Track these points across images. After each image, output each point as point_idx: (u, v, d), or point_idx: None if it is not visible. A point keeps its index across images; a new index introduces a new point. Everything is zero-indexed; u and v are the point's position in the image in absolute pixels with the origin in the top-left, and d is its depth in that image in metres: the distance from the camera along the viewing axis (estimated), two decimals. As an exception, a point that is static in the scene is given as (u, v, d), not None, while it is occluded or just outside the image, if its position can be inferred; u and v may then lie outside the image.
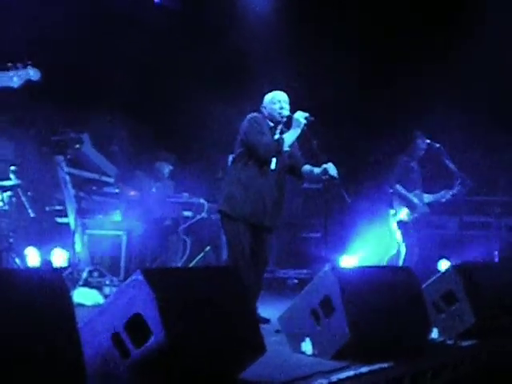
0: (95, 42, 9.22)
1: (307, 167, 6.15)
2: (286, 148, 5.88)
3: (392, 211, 8.21)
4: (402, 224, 8.18)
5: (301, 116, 5.86)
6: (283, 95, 6.07)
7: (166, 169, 8.89)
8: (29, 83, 5.83)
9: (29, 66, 5.77)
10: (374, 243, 9.66)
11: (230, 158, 6.17)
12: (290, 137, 5.89)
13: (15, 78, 5.74)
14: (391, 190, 8.21)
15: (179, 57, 10.17)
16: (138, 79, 9.95)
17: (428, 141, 8.20)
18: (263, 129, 5.94)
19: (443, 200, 8.32)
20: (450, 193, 8.20)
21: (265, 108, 6.07)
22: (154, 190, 8.72)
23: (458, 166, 8.12)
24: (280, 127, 6.06)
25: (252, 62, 9.99)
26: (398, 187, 8.19)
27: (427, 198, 8.34)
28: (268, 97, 6.10)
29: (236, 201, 5.85)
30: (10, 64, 5.72)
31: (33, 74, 5.76)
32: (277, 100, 6.02)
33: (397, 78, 10.60)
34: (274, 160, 5.92)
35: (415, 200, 8.21)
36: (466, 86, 10.06)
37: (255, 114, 6.02)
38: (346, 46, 10.33)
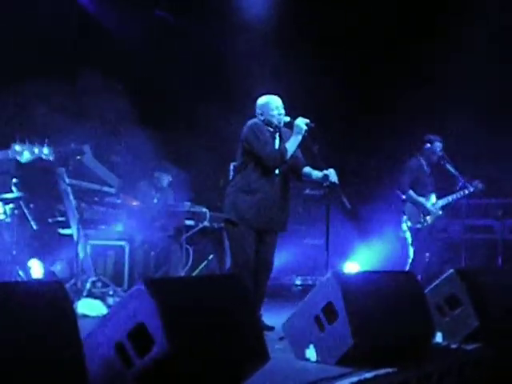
0: (96, 56, 9.32)
1: (307, 169, 6.14)
2: (288, 156, 5.86)
3: (405, 217, 8.15)
4: (414, 230, 8.13)
5: (302, 122, 5.83)
6: (278, 100, 6.00)
7: (166, 179, 8.92)
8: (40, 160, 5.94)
9: (45, 145, 5.82)
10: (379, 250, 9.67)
11: (232, 166, 6.15)
12: (292, 145, 5.85)
13: (26, 153, 5.79)
14: (404, 196, 8.16)
15: (180, 70, 10.25)
16: (139, 91, 10.00)
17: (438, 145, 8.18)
18: (266, 137, 5.91)
19: (458, 196, 8.23)
20: (466, 191, 8.12)
21: (261, 115, 6.01)
22: (155, 200, 8.73)
23: (462, 170, 8.11)
24: (278, 132, 6.03)
25: (248, 75, 10.11)
26: (411, 193, 8.12)
27: (441, 201, 8.26)
28: (263, 102, 6.03)
29: (241, 207, 5.83)
30: (26, 140, 5.82)
31: (47, 152, 5.83)
32: (274, 106, 5.96)
33: (397, 82, 10.63)
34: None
35: (429, 205, 8.16)
36: (473, 88, 10.04)
37: (255, 120, 5.99)
38: (341, 50, 10.44)
